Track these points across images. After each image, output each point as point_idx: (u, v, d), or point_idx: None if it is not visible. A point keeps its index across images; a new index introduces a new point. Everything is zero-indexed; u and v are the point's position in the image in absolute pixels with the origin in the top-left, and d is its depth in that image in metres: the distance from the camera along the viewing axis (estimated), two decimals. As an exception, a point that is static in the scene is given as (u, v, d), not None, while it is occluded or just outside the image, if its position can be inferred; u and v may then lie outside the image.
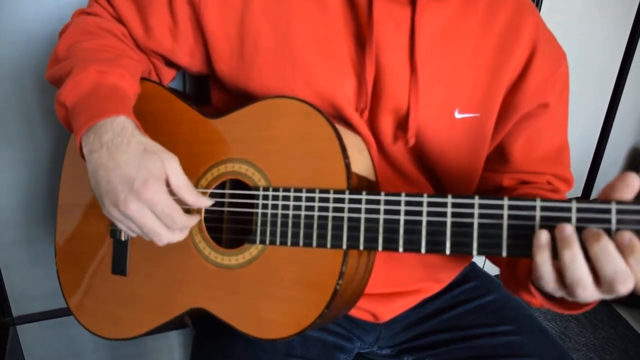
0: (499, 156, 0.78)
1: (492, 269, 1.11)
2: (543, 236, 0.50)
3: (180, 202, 0.63)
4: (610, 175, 2.24)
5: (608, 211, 0.49)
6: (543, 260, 0.50)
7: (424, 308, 0.86)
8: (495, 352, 0.79)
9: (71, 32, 0.73)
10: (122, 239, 0.75)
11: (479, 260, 1.79)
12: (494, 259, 0.75)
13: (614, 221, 0.48)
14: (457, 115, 0.71)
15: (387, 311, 0.82)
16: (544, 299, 0.60)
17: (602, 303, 0.54)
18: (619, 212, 0.48)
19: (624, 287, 0.46)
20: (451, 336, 0.83)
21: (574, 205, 0.50)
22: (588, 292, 0.48)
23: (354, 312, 0.81)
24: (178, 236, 0.64)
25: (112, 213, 0.61)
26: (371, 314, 0.81)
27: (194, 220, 0.65)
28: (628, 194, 0.48)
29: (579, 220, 0.50)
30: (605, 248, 0.46)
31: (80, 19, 0.74)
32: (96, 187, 0.62)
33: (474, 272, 0.92)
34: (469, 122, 0.72)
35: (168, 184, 0.62)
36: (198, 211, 0.69)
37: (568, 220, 0.50)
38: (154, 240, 0.63)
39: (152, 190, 0.59)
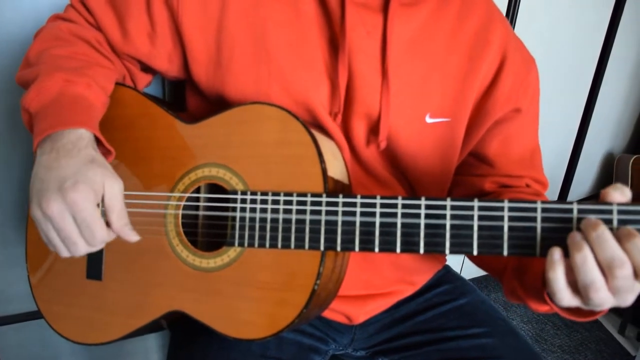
0: (477, 161, 0.81)
1: (468, 273, 1.13)
2: (556, 253, 0.51)
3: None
4: (586, 180, 2.31)
5: (570, 211, 0.52)
6: (557, 277, 0.51)
7: (398, 310, 0.87)
8: (467, 354, 0.80)
9: (43, 37, 0.72)
10: (98, 243, 0.74)
11: (456, 265, 1.82)
12: (497, 268, 0.76)
13: (574, 221, 0.52)
14: (428, 120, 0.74)
15: (361, 313, 0.83)
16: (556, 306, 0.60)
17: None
18: (579, 211, 0.52)
19: (621, 272, 0.48)
20: (424, 338, 0.84)
21: (539, 205, 0.53)
22: (601, 294, 0.49)
23: (329, 314, 0.82)
24: (97, 249, 0.62)
25: (34, 213, 0.59)
26: (345, 315, 0.83)
27: (112, 235, 0.63)
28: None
29: (543, 220, 0.53)
30: (602, 234, 0.49)
31: (54, 24, 0.74)
32: (31, 187, 0.60)
33: (447, 275, 0.95)
34: (439, 127, 0.74)
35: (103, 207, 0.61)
36: (176, 214, 0.70)
37: (534, 220, 0.53)
38: (70, 250, 0.61)
39: (79, 193, 0.57)
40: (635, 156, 2.09)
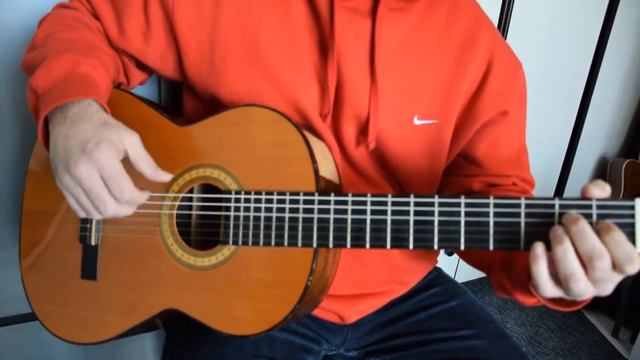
0: (466, 162, 0.83)
1: (462, 276, 1.14)
2: (539, 248, 0.53)
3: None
4: (579, 184, 2.30)
5: (552, 206, 0.54)
6: (540, 270, 0.53)
7: (390, 311, 0.89)
8: (458, 355, 0.82)
9: (49, 22, 0.75)
10: (92, 243, 0.76)
11: (451, 268, 1.83)
12: (485, 263, 0.78)
13: (556, 216, 0.54)
14: (417, 122, 0.75)
15: (353, 312, 0.84)
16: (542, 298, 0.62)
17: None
18: (561, 207, 0.54)
19: (600, 263, 0.50)
20: (416, 339, 0.85)
21: (523, 201, 0.55)
22: (581, 285, 0.51)
23: (321, 314, 0.83)
24: (125, 210, 0.64)
25: (63, 181, 0.61)
26: (337, 315, 0.84)
27: (143, 196, 0.66)
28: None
29: (527, 215, 0.55)
30: (583, 228, 0.51)
31: (59, 11, 0.77)
32: (53, 158, 0.62)
33: (439, 278, 0.96)
34: (427, 128, 0.76)
35: (127, 164, 0.63)
36: (171, 214, 0.71)
37: (517, 215, 0.55)
38: (99, 210, 0.62)
39: (102, 151, 0.59)
40: (628, 160, 2.10)
